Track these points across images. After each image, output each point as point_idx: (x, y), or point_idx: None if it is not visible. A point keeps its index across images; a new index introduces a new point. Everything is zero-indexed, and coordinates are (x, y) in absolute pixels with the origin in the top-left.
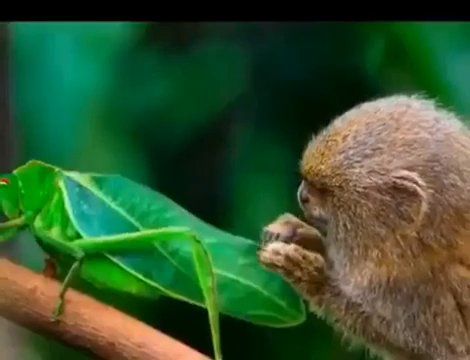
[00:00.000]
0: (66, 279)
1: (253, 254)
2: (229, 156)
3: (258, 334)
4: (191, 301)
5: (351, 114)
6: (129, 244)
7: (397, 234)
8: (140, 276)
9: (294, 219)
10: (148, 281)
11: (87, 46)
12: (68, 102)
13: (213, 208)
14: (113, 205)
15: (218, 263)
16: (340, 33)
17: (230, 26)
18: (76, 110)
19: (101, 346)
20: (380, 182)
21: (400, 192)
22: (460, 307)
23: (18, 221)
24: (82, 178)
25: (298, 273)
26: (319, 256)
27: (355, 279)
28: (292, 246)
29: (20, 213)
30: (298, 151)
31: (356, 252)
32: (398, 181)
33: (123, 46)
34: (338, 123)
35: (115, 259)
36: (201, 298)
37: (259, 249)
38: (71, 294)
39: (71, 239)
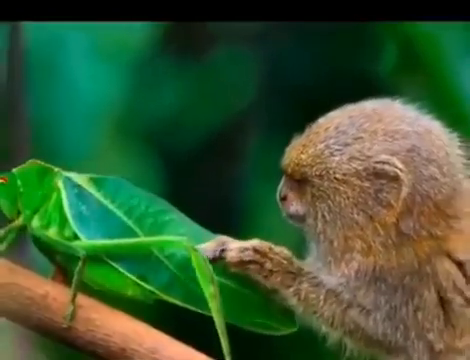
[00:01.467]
0: (73, 283)
1: None
2: (241, 161)
3: (265, 339)
4: (186, 305)
5: (334, 112)
6: (127, 249)
7: (376, 222)
8: (136, 279)
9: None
10: (144, 284)
11: (102, 51)
12: (82, 107)
13: (224, 213)
14: (111, 207)
15: (213, 268)
16: (352, 37)
17: (243, 31)
18: (90, 115)
19: (113, 351)
20: (360, 168)
21: (380, 178)
22: (443, 302)
23: (16, 224)
24: (81, 179)
25: (269, 265)
26: (284, 249)
27: (342, 272)
28: (256, 240)
29: (18, 212)
30: None
31: (336, 244)
32: (378, 166)
33: (137, 52)
34: (321, 119)
35: (112, 262)
36: (196, 303)
37: (222, 251)
38: (82, 299)
39: (68, 240)
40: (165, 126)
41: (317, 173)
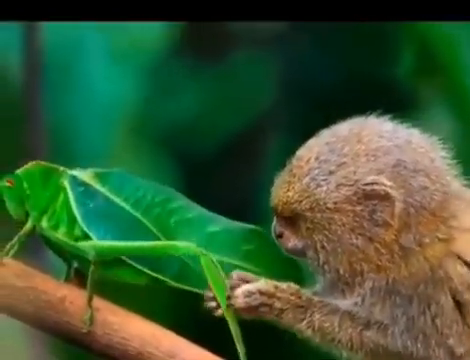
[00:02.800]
0: (88, 286)
1: (256, 239)
2: (259, 164)
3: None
4: (198, 291)
5: (311, 141)
6: (135, 252)
7: (376, 242)
8: (147, 270)
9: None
10: (155, 274)
11: (119, 54)
12: (99, 108)
13: (242, 217)
14: (118, 201)
15: (222, 250)
16: (370, 39)
17: (261, 33)
18: (107, 116)
19: (130, 355)
20: (349, 193)
21: (371, 199)
22: (459, 306)
23: (26, 229)
24: (85, 175)
25: (278, 304)
26: (291, 283)
27: (357, 293)
28: (259, 281)
29: (26, 214)
30: None
31: (342, 271)
32: (367, 188)
33: (154, 53)
34: (300, 151)
35: (128, 260)
36: (207, 286)
37: (229, 298)
38: (99, 302)
39: (78, 239)
40: (182, 128)
41: (307, 207)
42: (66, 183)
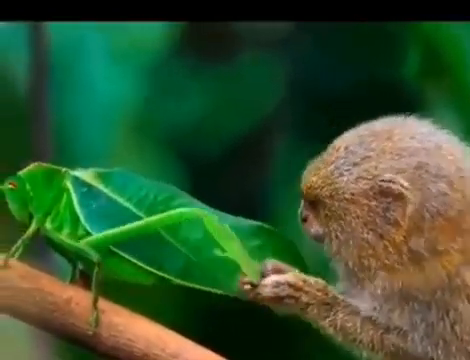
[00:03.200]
0: (93, 287)
1: (262, 235)
2: (266, 166)
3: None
4: (204, 288)
5: (348, 132)
6: (138, 232)
7: (385, 240)
8: (152, 269)
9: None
10: (160, 273)
11: (123, 54)
12: (103, 109)
13: (249, 217)
14: (121, 201)
15: (228, 248)
16: (376, 41)
17: (267, 34)
18: (111, 118)
19: (136, 356)
20: (367, 187)
21: (386, 196)
22: None
23: (30, 231)
24: (87, 175)
25: (304, 298)
26: (319, 279)
27: (370, 290)
28: (290, 273)
29: (30, 216)
30: None
31: (351, 264)
32: (384, 184)
33: (158, 54)
34: (336, 140)
35: (126, 254)
36: (213, 284)
37: (256, 287)
38: (104, 304)
39: (81, 239)
40: (188, 129)
41: (327, 194)
42: (69, 184)
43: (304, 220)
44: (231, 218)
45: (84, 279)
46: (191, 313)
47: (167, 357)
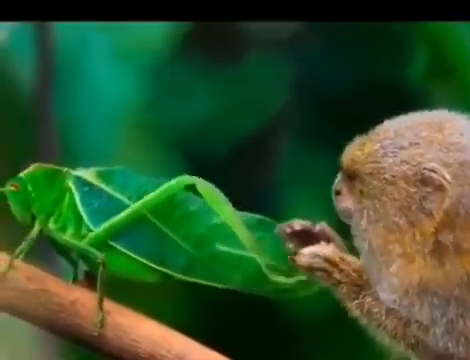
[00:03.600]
0: (98, 288)
1: (261, 228)
2: (272, 166)
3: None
4: (207, 283)
5: (400, 117)
6: (131, 218)
7: (416, 228)
8: (154, 265)
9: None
10: (162, 269)
11: (129, 55)
12: (108, 110)
13: None
14: (123, 199)
15: (227, 241)
16: (384, 42)
17: (273, 35)
18: (116, 118)
19: (141, 357)
20: (409, 172)
21: (426, 185)
22: None
23: (34, 232)
24: (89, 175)
25: (337, 275)
26: (357, 259)
27: (385, 276)
28: (330, 248)
29: (32, 217)
30: (340, 163)
31: (375, 245)
32: (426, 173)
33: (164, 54)
34: (386, 122)
35: (128, 252)
36: (217, 279)
37: (295, 254)
38: (110, 305)
39: (85, 238)
40: (193, 130)
41: (368, 171)
42: (71, 184)
43: (337, 193)
44: None
45: (89, 280)
46: (195, 312)
47: (172, 358)
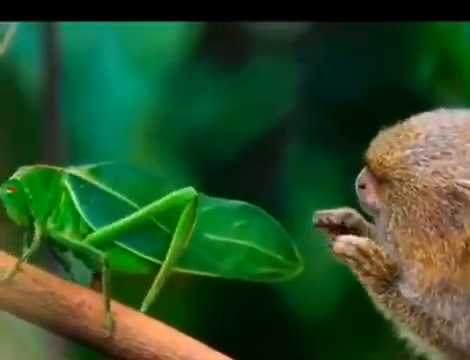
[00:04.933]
0: (104, 289)
1: (247, 215)
2: (279, 171)
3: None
4: (201, 273)
5: (429, 114)
6: (137, 222)
7: (445, 239)
8: (149, 257)
9: (351, 209)
10: (158, 261)
11: (138, 58)
12: (118, 114)
13: None
14: (116, 194)
15: (216, 229)
16: (391, 45)
17: (280, 38)
18: (126, 122)
19: (146, 359)
20: (442, 185)
21: (459, 199)
22: None
23: (37, 238)
24: (82, 172)
25: (367, 266)
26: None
27: (407, 278)
28: (365, 239)
29: (29, 219)
30: (347, 166)
31: (401, 249)
32: (459, 188)
33: (173, 58)
34: (414, 120)
35: (123, 245)
36: (211, 269)
37: (333, 240)
38: (117, 307)
39: (84, 236)
40: (201, 132)
41: (398, 177)
42: (66, 183)
43: (362, 187)
44: (215, 200)
45: (99, 283)
46: (200, 314)
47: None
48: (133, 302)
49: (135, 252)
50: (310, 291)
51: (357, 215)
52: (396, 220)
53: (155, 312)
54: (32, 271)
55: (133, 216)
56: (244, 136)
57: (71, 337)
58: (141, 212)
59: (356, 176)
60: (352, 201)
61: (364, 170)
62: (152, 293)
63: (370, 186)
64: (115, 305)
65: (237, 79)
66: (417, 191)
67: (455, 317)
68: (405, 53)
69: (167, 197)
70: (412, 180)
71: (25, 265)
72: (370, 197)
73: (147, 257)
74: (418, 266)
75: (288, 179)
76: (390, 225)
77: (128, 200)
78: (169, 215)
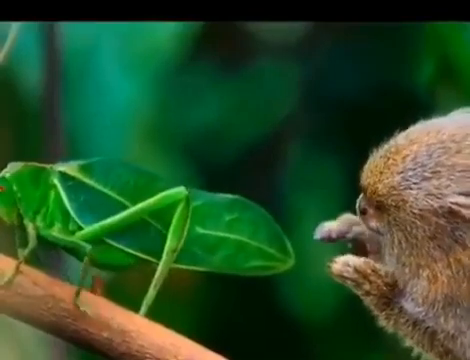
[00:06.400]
0: (80, 278)
1: (238, 208)
2: (280, 173)
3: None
4: (192, 268)
5: (414, 132)
6: (128, 221)
7: (451, 257)
8: (139, 254)
9: (353, 217)
10: (147, 257)
11: (138, 59)
12: (118, 115)
13: None
14: (106, 191)
15: (206, 223)
16: (393, 47)
17: (281, 40)
18: (126, 123)
19: None
20: (436, 205)
21: (456, 217)
22: None
23: (33, 238)
24: (71, 169)
25: (367, 286)
26: (390, 272)
27: (411, 294)
28: (362, 259)
29: (18, 217)
30: (349, 168)
31: (407, 270)
32: (454, 207)
33: (174, 60)
34: (400, 140)
35: (113, 242)
36: (201, 263)
37: (330, 261)
38: (117, 310)
39: (73, 233)
40: (201, 134)
41: (393, 204)
42: (55, 180)
43: (363, 212)
44: (205, 194)
45: (100, 287)
46: (201, 317)
47: None
48: (132, 305)
49: (125, 249)
50: (310, 294)
51: (357, 228)
52: (399, 244)
53: (154, 315)
54: (33, 274)
55: (123, 215)
56: (244, 137)
57: (71, 340)
58: (131, 211)
59: (357, 177)
60: (353, 203)
61: (362, 195)
62: (150, 295)
63: (370, 211)
64: (115, 308)
65: (237, 80)
66: (414, 215)
67: (459, 330)
68: (406, 55)
69: (158, 196)
70: (407, 205)
71: (25, 268)
72: (372, 222)
73: (137, 253)
74: (423, 283)
75: (289, 180)
76: (394, 249)
77: (118, 197)
78: (160, 212)
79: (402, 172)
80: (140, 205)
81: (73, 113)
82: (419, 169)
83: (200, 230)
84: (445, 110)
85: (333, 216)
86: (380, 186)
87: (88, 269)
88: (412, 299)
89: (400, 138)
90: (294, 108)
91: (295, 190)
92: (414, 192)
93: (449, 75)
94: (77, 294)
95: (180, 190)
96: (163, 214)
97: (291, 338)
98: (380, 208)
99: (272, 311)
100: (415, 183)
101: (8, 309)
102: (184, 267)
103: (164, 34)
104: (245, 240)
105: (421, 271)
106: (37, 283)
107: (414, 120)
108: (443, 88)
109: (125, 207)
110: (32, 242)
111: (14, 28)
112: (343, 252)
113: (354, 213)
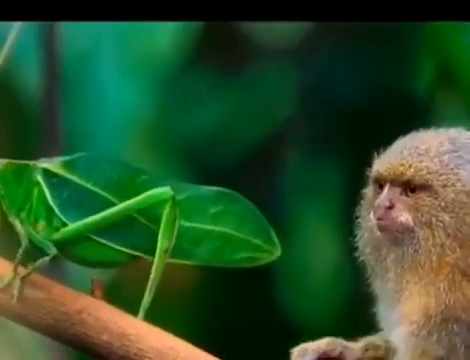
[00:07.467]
0: (18, 256)
1: (222, 200)
2: (280, 176)
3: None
4: (179, 261)
5: (424, 133)
6: (113, 218)
7: None
8: (127, 250)
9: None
10: (135, 252)
11: (138, 62)
12: (117, 119)
13: None
14: (89, 186)
15: (191, 217)
16: (393, 52)
17: (280, 46)
18: (125, 127)
19: None
20: None
21: None
22: None
23: (25, 239)
24: (54, 166)
25: None
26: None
27: (406, 309)
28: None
29: (4, 215)
30: (349, 172)
31: (451, 258)
32: None
33: (174, 63)
34: (417, 136)
35: (101, 239)
36: (187, 257)
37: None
38: (117, 314)
39: (57, 230)
40: (201, 138)
41: (443, 183)
42: (39, 177)
43: (390, 207)
44: (190, 187)
45: (100, 290)
46: (199, 320)
47: None
48: (131, 308)
49: (114, 245)
50: (309, 296)
51: (338, 347)
52: (444, 228)
53: (152, 318)
54: (32, 277)
55: (107, 213)
56: (244, 140)
57: (70, 344)
58: (115, 209)
59: (358, 181)
60: (353, 205)
61: (387, 189)
62: (146, 299)
63: (399, 204)
64: (115, 313)
65: (237, 83)
66: (466, 194)
67: (450, 348)
68: (406, 58)
69: (143, 196)
70: (458, 185)
71: (24, 271)
72: (402, 215)
73: (126, 250)
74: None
75: (289, 183)
76: (441, 236)
77: (102, 192)
78: (145, 209)
79: (446, 153)
80: (124, 204)
81: (72, 116)
82: (461, 151)
83: (185, 223)
84: (446, 115)
85: (332, 219)
86: (427, 164)
87: (44, 263)
88: (407, 317)
89: (414, 135)
90: (293, 111)
91: (295, 193)
92: (465, 172)
93: (449, 79)
94: (14, 269)
95: (165, 190)
96: (149, 211)
97: (290, 341)
98: (420, 190)
99: (271, 314)
100: (462, 164)
101: (7, 312)
102: (172, 261)
103: (164, 37)
104: (231, 232)
105: (448, 268)
106: (36, 286)
107: (413, 124)
108: (443, 92)
109: (109, 202)
110: (24, 241)
111: (13, 30)
112: (340, 257)
113: (353, 215)
